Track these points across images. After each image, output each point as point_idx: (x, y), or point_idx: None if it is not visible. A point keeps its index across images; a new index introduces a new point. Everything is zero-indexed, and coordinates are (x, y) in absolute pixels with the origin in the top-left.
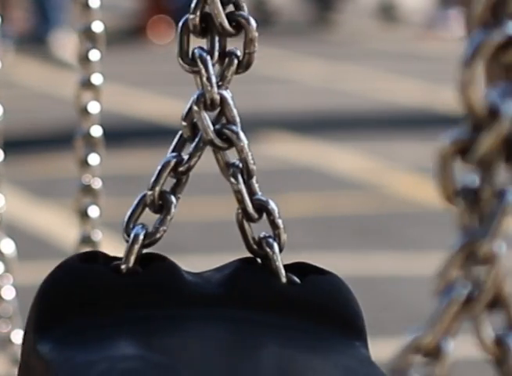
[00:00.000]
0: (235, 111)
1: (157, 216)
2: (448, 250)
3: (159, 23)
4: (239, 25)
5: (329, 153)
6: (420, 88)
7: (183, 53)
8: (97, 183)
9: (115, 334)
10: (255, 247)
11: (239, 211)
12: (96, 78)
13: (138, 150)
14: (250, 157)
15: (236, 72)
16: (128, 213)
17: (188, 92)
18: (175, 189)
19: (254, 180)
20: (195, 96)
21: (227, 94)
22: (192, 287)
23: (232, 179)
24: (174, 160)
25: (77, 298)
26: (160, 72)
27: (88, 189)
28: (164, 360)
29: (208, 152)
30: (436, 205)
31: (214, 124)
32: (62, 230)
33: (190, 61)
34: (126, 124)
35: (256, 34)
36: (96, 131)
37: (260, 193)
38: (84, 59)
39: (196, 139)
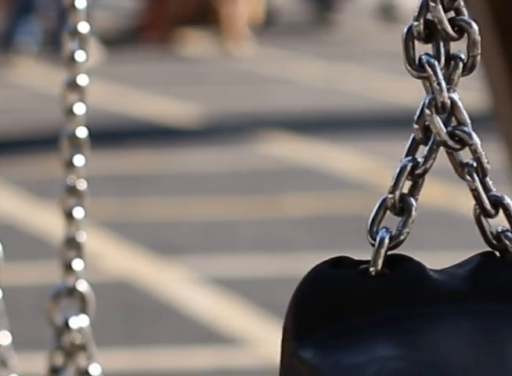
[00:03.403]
0: (465, 112)
1: None
2: (448, 250)
3: (159, 23)
4: (461, 29)
5: (328, 153)
6: (419, 88)
7: (410, 60)
8: (82, 185)
9: (373, 335)
10: (494, 241)
11: (477, 207)
12: (82, 79)
13: (137, 149)
14: (483, 156)
15: (462, 75)
16: (371, 217)
17: (188, 92)
18: (413, 192)
19: (488, 178)
20: (426, 100)
21: (456, 96)
22: (440, 285)
23: (468, 178)
24: (410, 163)
25: (332, 303)
26: (160, 72)
27: (73, 191)
28: (432, 359)
29: (209, 153)
30: (436, 205)
31: (446, 126)
32: (61, 230)
33: (418, 67)
34: (126, 124)
35: (479, 37)
36: (82, 132)
37: (494, 190)
38: (70, 59)
39: (430, 142)
